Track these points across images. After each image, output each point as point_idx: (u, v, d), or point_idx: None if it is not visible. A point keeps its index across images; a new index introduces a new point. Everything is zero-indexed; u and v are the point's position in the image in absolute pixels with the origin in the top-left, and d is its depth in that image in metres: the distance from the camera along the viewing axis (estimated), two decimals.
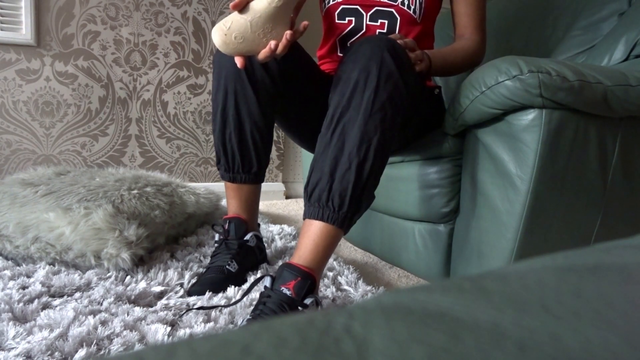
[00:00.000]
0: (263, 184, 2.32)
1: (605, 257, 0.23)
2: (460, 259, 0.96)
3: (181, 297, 0.93)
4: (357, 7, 1.06)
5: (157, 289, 0.94)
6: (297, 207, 2.11)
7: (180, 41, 2.06)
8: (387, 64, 0.77)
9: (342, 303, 0.95)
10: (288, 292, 0.76)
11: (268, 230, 1.45)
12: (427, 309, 0.17)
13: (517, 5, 1.46)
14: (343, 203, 0.77)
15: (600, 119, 0.84)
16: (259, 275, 1.06)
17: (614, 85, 0.81)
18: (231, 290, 0.95)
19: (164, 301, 0.89)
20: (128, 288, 0.93)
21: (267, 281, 0.79)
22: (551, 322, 0.15)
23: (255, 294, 0.91)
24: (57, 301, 0.86)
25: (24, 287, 0.91)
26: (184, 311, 0.85)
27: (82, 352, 0.68)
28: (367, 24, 1.06)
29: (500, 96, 0.79)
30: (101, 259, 1.01)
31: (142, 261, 1.10)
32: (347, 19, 1.07)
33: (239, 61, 0.79)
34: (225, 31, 0.76)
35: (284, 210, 2.02)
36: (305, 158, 1.55)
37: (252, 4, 0.77)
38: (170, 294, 0.93)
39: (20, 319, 0.79)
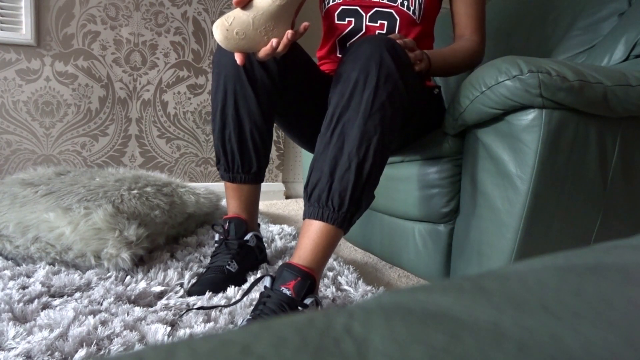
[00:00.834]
0: (263, 184, 2.32)
1: (605, 257, 0.23)
2: (460, 259, 0.96)
3: (181, 297, 0.93)
4: (357, 7, 1.06)
5: (157, 289, 0.94)
6: (297, 207, 2.11)
7: (180, 41, 2.06)
8: (387, 64, 0.77)
9: (342, 303, 0.95)
10: (288, 292, 0.76)
11: (268, 230, 1.45)
12: (427, 309, 0.17)
13: (517, 5, 1.46)
14: (343, 203, 0.77)
15: (600, 119, 0.84)
16: (259, 275, 1.06)
17: (614, 85, 0.81)
18: (231, 290, 0.95)
19: (164, 301, 0.89)
20: (128, 288, 0.93)
21: (267, 281, 0.79)
22: (551, 322, 0.15)
23: (255, 294, 0.91)
24: (57, 301, 0.86)
25: (24, 287, 0.91)
26: (184, 311, 0.85)
27: (82, 352, 0.68)
28: (366, 25, 1.06)
29: (500, 96, 0.79)
30: (101, 259, 1.01)
31: (142, 261, 1.10)
32: (346, 19, 1.07)
33: (239, 57, 0.79)
34: (227, 26, 0.76)
35: (284, 210, 2.02)
36: (305, 158, 1.55)
37: (255, 1, 0.77)
38: (170, 294, 0.93)
39: (20, 319, 0.78)
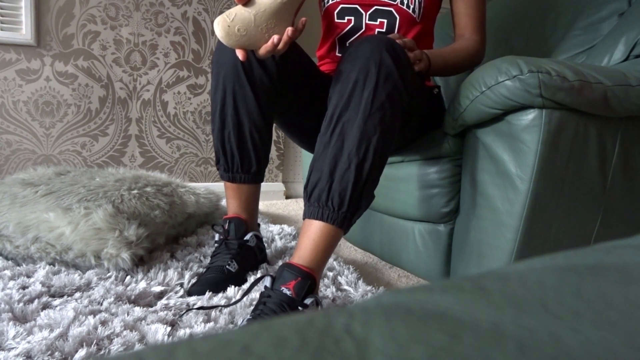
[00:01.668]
0: (263, 184, 2.32)
1: (605, 257, 0.23)
2: (460, 259, 0.96)
3: (181, 297, 0.93)
4: (357, 6, 1.06)
5: (157, 289, 0.94)
6: (297, 207, 2.11)
7: (180, 41, 2.06)
8: (386, 64, 0.77)
9: (342, 303, 0.95)
10: (288, 292, 0.76)
11: (268, 230, 1.45)
12: (427, 309, 0.17)
13: (517, 5, 1.46)
14: (343, 203, 0.77)
15: (600, 119, 0.84)
16: (259, 275, 1.06)
17: (614, 85, 0.81)
18: (231, 290, 0.95)
19: (164, 301, 0.89)
20: (128, 288, 0.93)
21: (267, 281, 0.79)
22: (551, 322, 0.15)
23: (255, 294, 0.91)
24: (57, 301, 0.86)
25: (24, 287, 0.91)
26: (184, 311, 0.85)
27: (82, 352, 0.68)
28: (366, 23, 1.06)
29: (500, 96, 0.79)
30: (101, 259, 1.01)
31: (142, 261, 1.10)
32: (346, 18, 1.07)
33: (240, 53, 0.79)
34: (229, 22, 0.76)
35: (284, 210, 2.02)
36: (305, 158, 1.55)
37: None
38: (170, 294, 0.93)
39: (20, 319, 0.78)
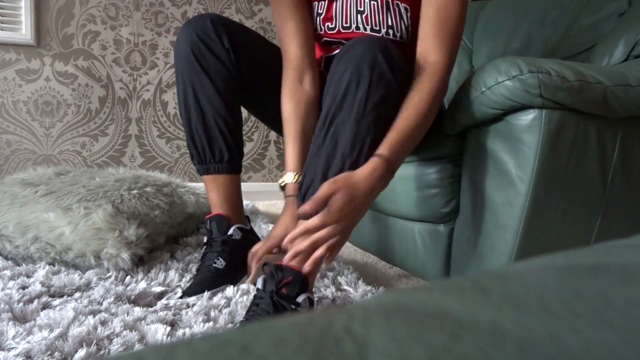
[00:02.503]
0: (263, 184, 2.32)
1: (605, 257, 0.23)
2: (460, 259, 0.96)
3: (181, 297, 0.93)
4: (342, 40, 1.04)
5: (157, 289, 0.94)
6: None
7: None
8: (380, 65, 0.76)
9: (342, 303, 0.95)
10: (280, 292, 0.76)
11: (268, 230, 1.45)
12: (427, 309, 0.17)
13: (517, 5, 1.46)
14: None
15: (600, 119, 0.84)
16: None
17: (614, 86, 0.81)
18: (230, 290, 0.95)
19: (163, 301, 0.89)
20: (128, 288, 0.93)
21: (259, 282, 0.79)
22: (551, 322, 0.15)
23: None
24: (57, 301, 0.86)
25: (24, 287, 0.91)
26: (182, 311, 0.85)
27: (82, 352, 0.68)
28: None
29: (500, 96, 0.79)
30: (101, 259, 1.01)
31: (142, 261, 1.10)
32: (333, 46, 1.06)
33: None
34: None
35: None
36: None
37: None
38: (170, 294, 0.93)
39: (20, 319, 0.78)
